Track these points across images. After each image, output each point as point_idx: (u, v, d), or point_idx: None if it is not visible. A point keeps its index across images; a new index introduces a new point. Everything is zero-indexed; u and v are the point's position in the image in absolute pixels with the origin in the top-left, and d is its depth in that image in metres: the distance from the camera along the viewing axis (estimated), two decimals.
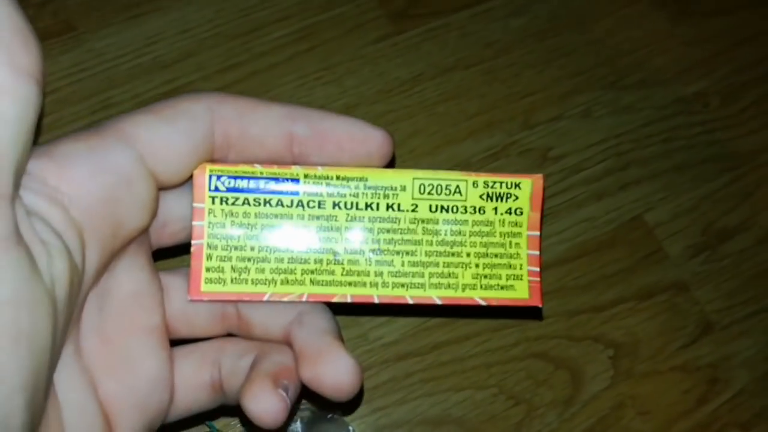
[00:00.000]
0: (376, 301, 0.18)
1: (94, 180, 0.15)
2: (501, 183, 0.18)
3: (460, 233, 0.18)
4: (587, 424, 0.26)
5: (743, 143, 0.30)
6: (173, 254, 0.19)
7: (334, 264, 0.18)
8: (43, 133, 0.27)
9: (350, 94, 0.29)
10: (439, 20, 0.30)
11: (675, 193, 0.29)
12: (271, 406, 0.16)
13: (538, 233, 0.19)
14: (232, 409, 0.19)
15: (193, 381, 0.18)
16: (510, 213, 0.18)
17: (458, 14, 0.30)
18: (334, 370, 0.17)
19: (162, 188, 0.17)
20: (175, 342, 0.19)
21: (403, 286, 0.18)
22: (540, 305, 0.18)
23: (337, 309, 0.26)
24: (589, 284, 0.28)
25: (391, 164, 0.18)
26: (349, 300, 0.18)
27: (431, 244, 0.18)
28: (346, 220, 0.18)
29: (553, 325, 0.27)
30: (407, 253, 0.18)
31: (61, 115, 0.27)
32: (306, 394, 0.18)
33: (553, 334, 0.27)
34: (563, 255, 0.28)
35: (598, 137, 0.29)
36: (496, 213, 0.18)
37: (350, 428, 0.25)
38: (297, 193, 0.18)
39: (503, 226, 0.18)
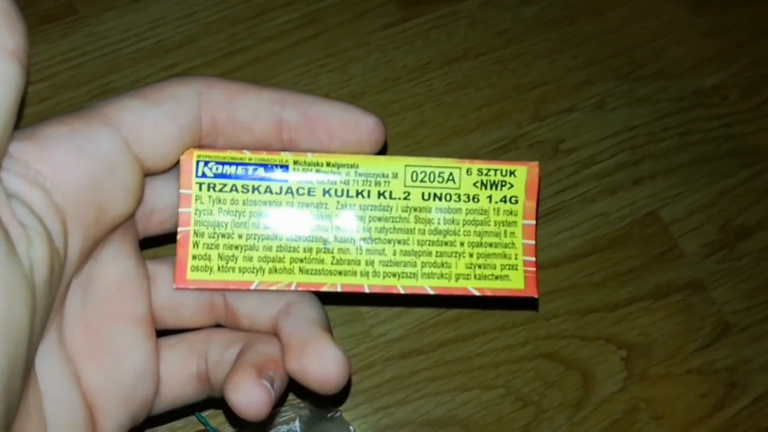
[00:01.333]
0: (367, 290, 0.18)
1: (77, 164, 0.15)
2: (495, 170, 0.18)
3: (453, 222, 0.18)
4: (598, 429, 0.25)
5: (763, 138, 0.29)
6: (161, 243, 0.19)
7: (324, 252, 0.18)
8: (41, 118, 0.26)
9: (356, 81, 0.28)
10: (447, 8, 0.29)
11: (692, 189, 0.28)
12: (254, 398, 0.16)
13: (533, 222, 0.18)
14: (220, 401, 0.18)
15: (180, 372, 0.18)
16: (505, 201, 0.18)
17: (468, 2, 0.29)
18: (320, 362, 0.16)
19: (148, 174, 0.17)
20: (162, 332, 0.18)
21: (394, 275, 0.18)
22: (536, 296, 0.18)
23: (337, 302, 0.25)
24: (601, 282, 0.27)
25: (383, 151, 0.18)
26: (339, 289, 0.17)
27: (424, 233, 0.18)
28: (337, 208, 0.18)
29: (564, 324, 0.26)
30: (399, 242, 0.18)
31: (60, 100, 0.27)
32: (294, 387, 0.17)
33: (564, 334, 0.26)
34: (575, 251, 0.27)
35: (612, 130, 0.28)
36: (490, 201, 0.18)
37: (351, 428, 0.24)
38: (286, 180, 0.17)
39: (498, 214, 0.18)
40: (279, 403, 0.23)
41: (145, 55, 0.27)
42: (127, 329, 0.17)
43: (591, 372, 0.26)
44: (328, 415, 0.24)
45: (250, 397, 0.16)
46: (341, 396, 0.25)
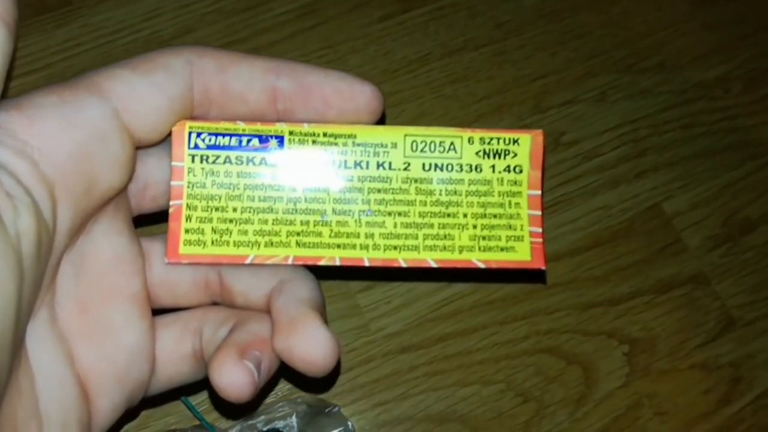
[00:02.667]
0: (367, 264, 0.17)
1: (65, 134, 0.15)
2: (498, 139, 0.17)
3: (455, 193, 0.17)
4: (600, 425, 0.25)
5: (766, 130, 0.29)
6: (156, 222, 0.18)
7: (322, 225, 0.17)
8: None
9: (354, 73, 0.27)
10: None
11: (695, 182, 0.28)
12: (235, 379, 0.15)
13: (539, 192, 0.17)
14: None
15: (175, 351, 0.17)
16: (509, 171, 0.17)
17: None
18: (306, 342, 0.15)
19: (140, 146, 0.16)
20: (159, 311, 0.18)
21: (395, 248, 0.17)
22: (543, 267, 0.17)
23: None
24: (603, 276, 0.26)
25: (381, 121, 0.17)
26: (337, 263, 0.17)
27: (425, 205, 0.17)
28: (335, 180, 0.17)
29: (565, 319, 0.26)
30: (400, 214, 0.17)
31: None
32: (283, 371, 0.17)
33: (565, 328, 0.26)
34: (576, 245, 0.27)
35: (614, 122, 0.28)
36: (493, 171, 0.17)
37: (349, 423, 0.24)
38: (282, 151, 0.17)
39: (502, 184, 0.17)
40: (270, 385, 0.22)
41: (141, 47, 0.27)
42: (122, 307, 0.16)
43: (593, 367, 0.25)
44: (326, 411, 0.24)
45: (231, 377, 0.15)
46: (328, 381, 0.24)
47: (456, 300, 0.26)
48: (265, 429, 0.23)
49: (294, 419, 0.24)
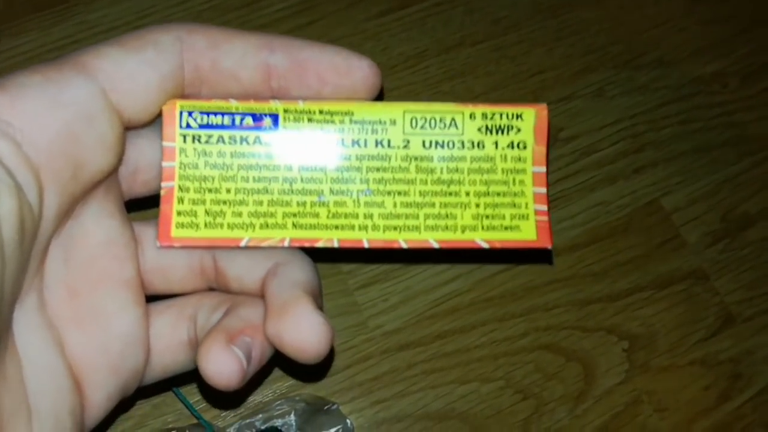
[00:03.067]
0: (366, 245, 0.16)
1: (50, 114, 0.14)
2: (501, 114, 0.17)
3: (457, 170, 0.17)
4: (600, 421, 0.25)
5: (764, 126, 0.29)
6: (150, 206, 0.18)
7: (319, 206, 0.16)
8: None
9: None
10: None
11: (693, 177, 0.28)
12: (221, 366, 0.15)
13: (544, 169, 0.17)
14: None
15: (170, 339, 0.17)
16: (512, 147, 0.17)
17: None
18: (296, 327, 0.15)
19: (129, 127, 0.16)
20: (153, 298, 0.17)
21: (395, 228, 0.16)
22: (549, 246, 0.17)
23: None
24: (602, 272, 0.26)
25: (379, 98, 0.17)
26: (335, 245, 0.16)
27: (426, 183, 0.17)
28: (332, 159, 0.16)
29: (564, 315, 0.26)
30: (399, 194, 0.17)
31: None
32: (277, 361, 0.16)
33: (564, 325, 0.26)
34: (575, 241, 0.26)
35: (612, 118, 0.28)
36: (496, 147, 0.17)
37: (348, 421, 0.24)
38: (276, 130, 0.16)
39: (505, 161, 0.17)
40: (263, 375, 0.22)
41: None
42: (114, 293, 0.16)
43: (592, 364, 0.25)
44: (325, 408, 0.24)
45: (218, 364, 0.15)
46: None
47: (454, 297, 0.25)
48: (263, 427, 0.23)
49: (292, 417, 0.24)
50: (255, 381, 0.19)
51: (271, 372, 0.24)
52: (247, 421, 0.23)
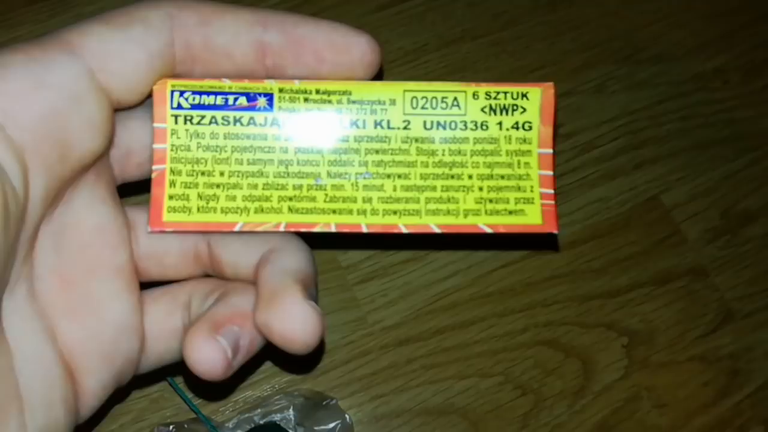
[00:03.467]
0: (365, 230, 0.16)
1: (35, 95, 0.13)
2: (505, 93, 0.16)
3: (459, 153, 0.16)
4: (599, 417, 0.25)
5: (765, 122, 0.29)
6: (145, 190, 0.17)
7: (316, 190, 0.16)
8: None
9: None
10: None
11: (693, 174, 0.28)
12: (204, 355, 0.14)
13: (550, 150, 0.16)
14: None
15: (165, 326, 0.17)
16: (517, 128, 0.16)
17: None
18: (285, 317, 0.14)
19: (119, 108, 0.15)
20: (148, 285, 0.17)
21: (395, 213, 0.16)
22: (556, 231, 0.16)
23: (335, 289, 0.24)
24: (601, 268, 0.26)
25: (379, 77, 0.16)
26: (333, 229, 0.16)
27: (427, 166, 0.16)
28: (329, 140, 0.16)
29: (564, 311, 0.26)
30: (399, 177, 0.16)
31: None
32: (272, 355, 0.16)
33: (564, 321, 0.26)
34: (574, 237, 0.26)
35: (612, 114, 0.28)
36: (500, 128, 0.16)
37: (346, 416, 0.24)
38: (271, 110, 0.16)
39: (510, 143, 0.16)
40: (253, 365, 0.21)
41: None
42: (107, 280, 0.15)
43: (591, 359, 0.25)
44: (323, 403, 0.24)
45: (200, 354, 0.14)
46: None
47: (453, 293, 0.25)
48: (261, 422, 0.23)
49: (291, 412, 0.24)
50: (243, 371, 0.19)
51: (262, 363, 0.23)
52: (246, 415, 0.23)
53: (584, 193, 0.27)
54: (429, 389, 0.24)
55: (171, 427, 0.23)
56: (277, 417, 0.23)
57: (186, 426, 0.23)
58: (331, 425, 0.23)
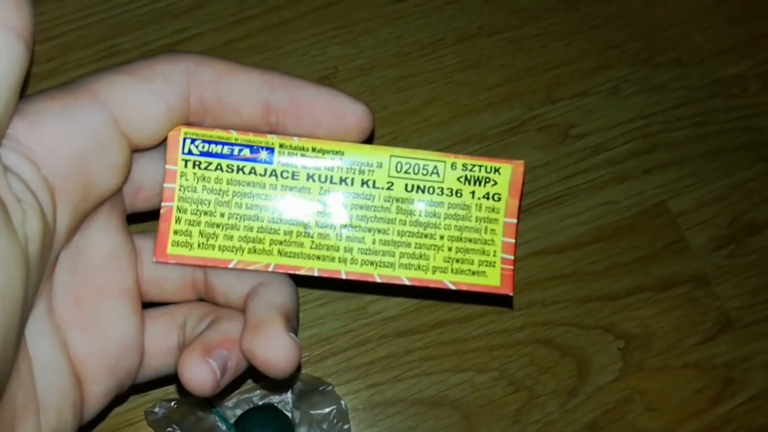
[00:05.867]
0: (344, 276, 0.18)
1: (65, 140, 0.15)
2: (480, 167, 0.18)
3: (434, 215, 0.18)
4: (590, 417, 0.25)
5: None
6: (149, 219, 0.19)
7: (304, 236, 0.18)
8: (48, 77, 0.26)
9: (366, 55, 0.27)
10: None
11: (703, 181, 0.27)
12: (196, 375, 0.16)
13: (515, 221, 0.18)
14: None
15: (162, 344, 0.18)
16: (488, 198, 0.18)
17: None
18: (267, 345, 0.16)
19: (136, 150, 0.17)
20: (146, 305, 0.18)
21: (372, 263, 0.18)
22: (511, 294, 0.18)
23: (315, 286, 0.25)
24: (604, 271, 0.26)
25: (370, 139, 0.18)
26: (316, 273, 0.18)
27: (404, 224, 0.18)
28: (320, 194, 0.18)
29: (563, 311, 0.26)
30: (379, 231, 0.18)
31: (66, 60, 0.26)
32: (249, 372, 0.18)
33: (562, 321, 0.26)
34: (579, 238, 0.27)
35: (626, 116, 0.28)
36: (473, 197, 0.18)
37: (342, 402, 0.24)
38: (271, 163, 0.18)
39: (480, 210, 0.18)
40: (237, 382, 0.23)
41: (155, 19, 0.27)
42: (115, 301, 0.17)
43: (587, 360, 0.26)
44: (320, 389, 0.24)
45: (193, 373, 0.16)
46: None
47: (430, 298, 0.26)
48: (260, 403, 0.24)
49: (289, 395, 0.25)
50: (230, 386, 0.21)
51: (245, 382, 0.24)
52: (245, 396, 0.24)
53: (592, 195, 0.27)
54: (425, 380, 0.25)
55: (173, 402, 0.24)
56: (275, 399, 0.24)
57: (187, 402, 0.24)
58: (327, 410, 0.24)
